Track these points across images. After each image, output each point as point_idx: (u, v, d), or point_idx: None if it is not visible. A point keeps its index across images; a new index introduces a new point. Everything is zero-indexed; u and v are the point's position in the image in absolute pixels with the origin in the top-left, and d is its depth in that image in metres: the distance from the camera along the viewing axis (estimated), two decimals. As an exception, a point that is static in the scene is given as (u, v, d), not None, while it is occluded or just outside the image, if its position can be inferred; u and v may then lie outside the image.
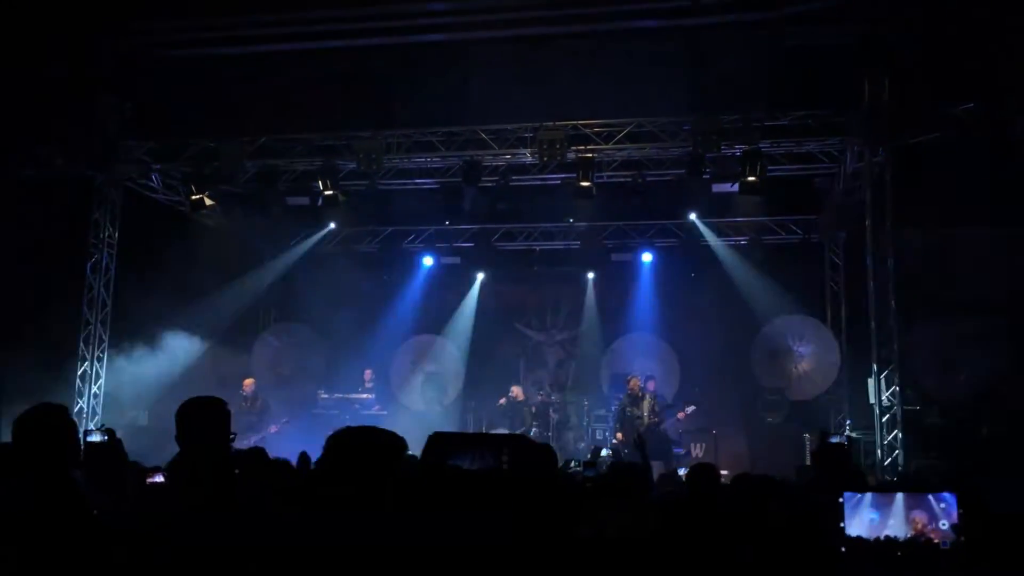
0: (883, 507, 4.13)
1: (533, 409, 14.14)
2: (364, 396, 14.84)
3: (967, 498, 4.13)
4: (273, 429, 13.03)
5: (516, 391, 14.26)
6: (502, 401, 14.32)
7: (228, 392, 13.26)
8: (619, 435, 12.82)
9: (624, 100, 11.88)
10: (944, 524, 4.09)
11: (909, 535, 4.03)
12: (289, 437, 13.36)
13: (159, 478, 5.36)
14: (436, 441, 3.29)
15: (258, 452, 5.04)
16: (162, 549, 2.95)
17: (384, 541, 2.53)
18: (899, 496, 4.19)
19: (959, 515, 4.07)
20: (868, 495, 4.17)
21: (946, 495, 4.18)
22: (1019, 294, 12.97)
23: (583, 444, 14.33)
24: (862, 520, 4.12)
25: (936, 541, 4.06)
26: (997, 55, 10.68)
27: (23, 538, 2.97)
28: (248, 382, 13.78)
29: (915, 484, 7.85)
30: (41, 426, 3.22)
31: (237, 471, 3.68)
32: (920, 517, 4.12)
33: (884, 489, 4.37)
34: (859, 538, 4.07)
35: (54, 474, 3.13)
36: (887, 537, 4.04)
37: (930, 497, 4.17)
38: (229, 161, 12.67)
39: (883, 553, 3.88)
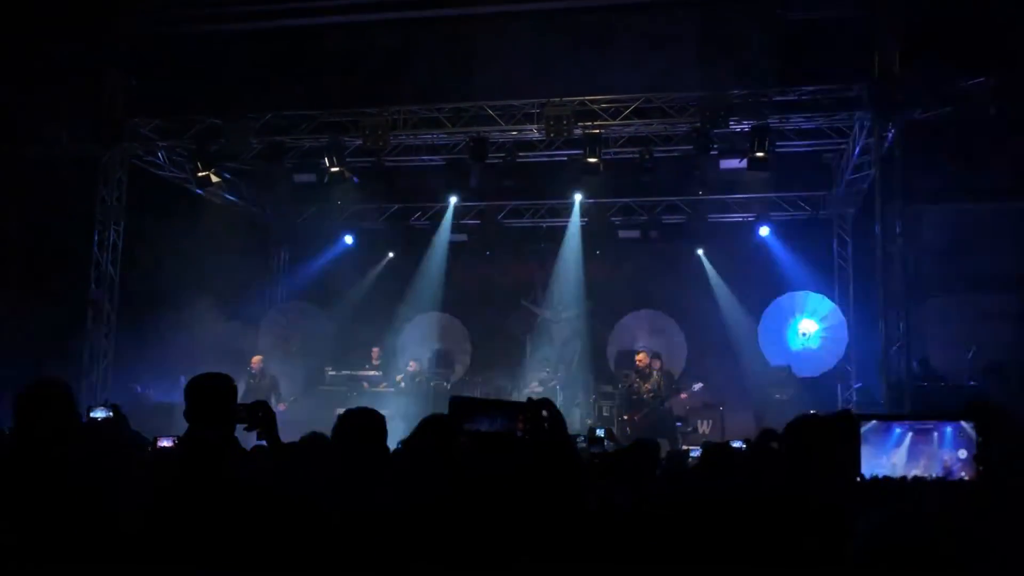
0: (903, 446, 4.03)
1: (426, 381, 14.09)
2: (371, 373, 14.87)
3: (986, 426, 4.04)
4: (282, 407, 13.09)
5: (413, 365, 14.22)
6: (399, 378, 14.24)
7: (236, 369, 13.37)
8: (626, 416, 12.78)
9: (631, 76, 11.81)
10: (964, 454, 4.01)
11: (938, 473, 3.94)
12: (297, 414, 13.44)
13: (167, 442, 5.43)
14: (454, 404, 3.31)
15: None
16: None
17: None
18: (914, 434, 4.07)
19: (977, 444, 3.98)
20: (891, 433, 4.03)
21: (965, 424, 4.09)
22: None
23: (590, 421, 14.34)
24: (880, 460, 4.02)
25: (959, 475, 3.96)
26: (1008, 28, 10.57)
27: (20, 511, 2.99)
28: (256, 359, 13.84)
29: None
30: (42, 401, 3.24)
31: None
32: (947, 454, 4.01)
33: (898, 418, 4.26)
34: (883, 478, 3.97)
35: (56, 448, 3.15)
36: (915, 477, 3.95)
37: (949, 428, 4.07)
38: (235, 138, 12.66)
39: (902, 493, 3.80)
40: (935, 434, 4.07)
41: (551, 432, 3.07)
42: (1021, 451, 4.18)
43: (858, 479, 3.81)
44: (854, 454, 3.77)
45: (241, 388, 12.65)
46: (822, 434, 3.27)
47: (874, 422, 4.08)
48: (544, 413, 3.09)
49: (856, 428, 3.90)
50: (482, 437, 3.12)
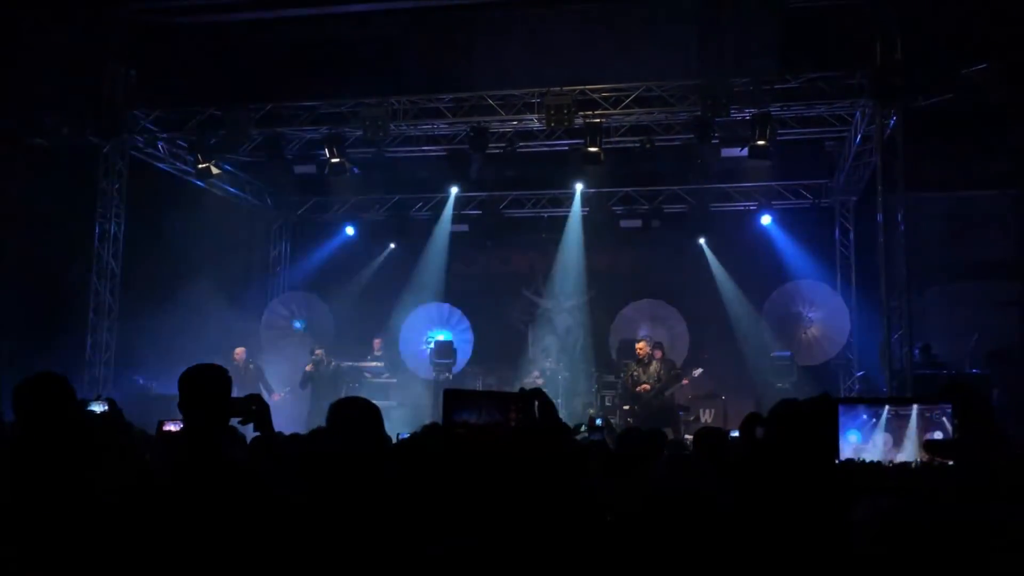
0: (889, 430, 4.07)
1: (334, 364, 14.13)
2: (374, 364, 14.89)
3: (962, 408, 4.07)
4: (276, 397, 13.15)
5: (319, 352, 14.25)
6: (308, 367, 14.18)
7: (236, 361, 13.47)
8: (627, 405, 12.78)
9: (632, 64, 11.78)
10: (938, 435, 4.05)
11: (922, 458, 3.97)
12: (297, 405, 13.49)
13: (174, 426, 5.46)
14: (448, 397, 3.33)
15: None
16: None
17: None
18: (897, 418, 4.11)
19: (953, 426, 4.02)
20: (876, 417, 4.07)
21: (944, 406, 4.13)
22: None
23: (592, 410, 14.34)
24: (867, 444, 4.05)
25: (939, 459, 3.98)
26: (1009, 15, 10.53)
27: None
28: (239, 351, 13.91)
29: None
30: (39, 395, 3.25)
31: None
32: (928, 437, 4.05)
33: (875, 402, 4.32)
34: (870, 462, 3.99)
35: (55, 440, 3.16)
36: (902, 462, 3.97)
37: (927, 411, 4.11)
38: (235, 129, 12.63)
39: (887, 479, 3.83)
40: (916, 417, 4.10)
41: (543, 422, 3.08)
42: (993, 431, 4.21)
43: (836, 462, 3.84)
44: (833, 438, 3.79)
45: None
46: (804, 418, 3.29)
47: (860, 407, 4.12)
48: (535, 403, 3.09)
49: (834, 412, 3.92)
50: (475, 428, 3.13)
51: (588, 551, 2.69)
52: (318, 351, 14.20)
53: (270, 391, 13.47)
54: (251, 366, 13.89)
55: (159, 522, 2.98)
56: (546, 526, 2.68)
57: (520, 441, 3.03)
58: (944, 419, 4.12)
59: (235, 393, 3.39)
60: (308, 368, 14.08)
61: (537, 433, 3.05)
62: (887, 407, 4.20)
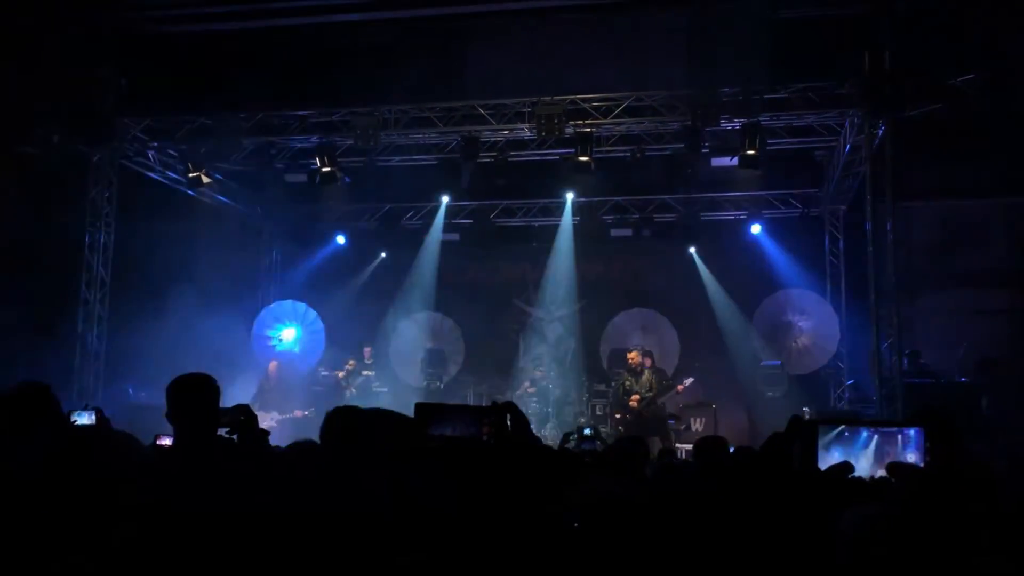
0: (856, 449, 4.14)
1: (353, 389, 14.18)
2: (365, 373, 14.86)
3: (934, 433, 4.13)
4: (299, 414, 13.05)
5: (351, 363, 14.32)
6: (341, 373, 14.25)
7: (229, 369, 13.37)
8: (618, 414, 12.81)
9: (623, 73, 11.80)
10: (910, 459, 4.11)
11: (880, 475, 4.04)
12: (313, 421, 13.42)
13: (167, 440, 5.42)
14: (420, 411, 3.32)
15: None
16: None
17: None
18: (873, 438, 4.19)
19: (925, 449, 4.07)
20: (858, 436, 4.15)
21: (913, 430, 4.18)
22: (1020, 266, 12.96)
23: (583, 419, 14.34)
24: (833, 460, 4.12)
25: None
26: (999, 25, 10.60)
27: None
28: (273, 365, 13.90)
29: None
30: (22, 405, 3.24)
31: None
32: (909, 457, 4.13)
33: (852, 422, 4.38)
34: (853, 478, 4.04)
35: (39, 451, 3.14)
36: (881, 478, 4.04)
37: (897, 434, 4.18)
38: (226, 138, 12.63)
39: (855, 491, 3.88)
40: (898, 437, 4.18)
41: (516, 435, 3.08)
42: (963, 455, 4.28)
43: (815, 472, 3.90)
44: (810, 452, 3.87)
45: (251, 392, 12.74)
46: (783, 443, 3.36)
47: (842, 426, 4.20)
48: (508, 417, 3.10)
49: (804, 429, 4.00)
50: (448, 442, 3.12)
51: (559, 560, 2.69)
52: (351, 361, 14.41)
53: (296, 407, 13.38)
54: (283, 381, 13.93)
55: (150, 530, 2.96)
56: (518, 536, 2.68)
57: (493, 455, 3.03)
58: (916, 441, 4.18)
59: (260, 401, 3.39)
60: (349, 366, 14.20)
61: (511, 447, 3.05)
62: (871, 428, 4.27)
